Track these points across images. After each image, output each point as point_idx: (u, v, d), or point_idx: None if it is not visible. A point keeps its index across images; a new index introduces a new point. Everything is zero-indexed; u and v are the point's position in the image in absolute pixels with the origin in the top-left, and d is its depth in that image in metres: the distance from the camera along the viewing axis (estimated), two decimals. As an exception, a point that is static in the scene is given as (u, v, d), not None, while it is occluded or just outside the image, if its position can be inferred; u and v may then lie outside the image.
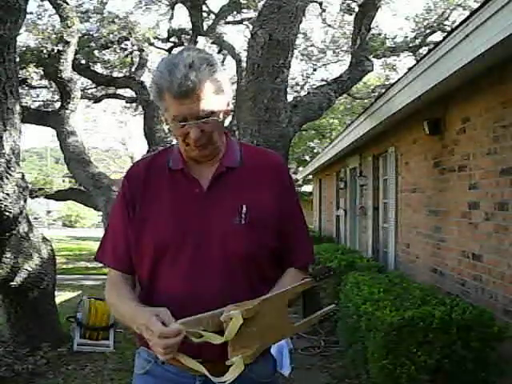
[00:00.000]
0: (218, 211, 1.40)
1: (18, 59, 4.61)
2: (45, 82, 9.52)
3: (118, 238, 1.48)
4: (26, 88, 9.47)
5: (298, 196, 1.57)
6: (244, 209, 1.39)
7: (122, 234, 1.47)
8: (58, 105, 8.55)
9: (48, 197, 12.12)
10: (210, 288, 1.36)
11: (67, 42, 7.19)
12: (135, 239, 1.44)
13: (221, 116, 1.39)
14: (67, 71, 7.34)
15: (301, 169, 17.73)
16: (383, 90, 7.00)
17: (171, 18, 10.55)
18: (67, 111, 7.67)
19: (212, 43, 9.66)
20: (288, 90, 6.34)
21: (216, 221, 1.39)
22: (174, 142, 1.53)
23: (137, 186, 1.47)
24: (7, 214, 3.75)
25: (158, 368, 1.44)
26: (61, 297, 7.58)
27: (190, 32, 9.47)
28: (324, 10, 10.80)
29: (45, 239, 4.89)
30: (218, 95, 1.37)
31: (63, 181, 20.46)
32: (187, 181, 1.44)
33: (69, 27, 7.24)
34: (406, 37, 10.91)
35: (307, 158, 17.05)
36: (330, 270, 1.53)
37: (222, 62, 11.68)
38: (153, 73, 1.41)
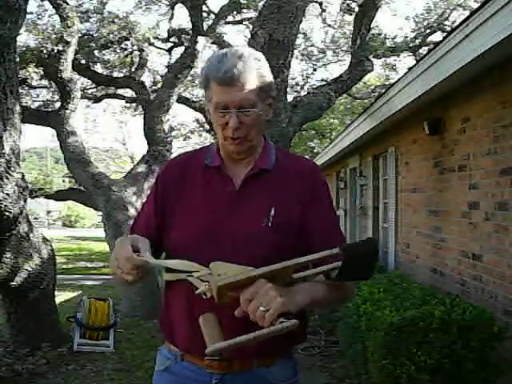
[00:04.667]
0: (247, 212, 1.41)
1: (18, 59, 4.61)
2: (45, 82, 9.50)
3: (140, 220, 1.53)
4: (26, 88, 9.44)
5: (331, 201, 1.53)
6: (272, 212, 1.39)
7: (144, 216, 1.52)
8: (58, 105, 8.52)
9: (48, 197, 12.09)
10: None
11: (67, 42, 7.17)
12: (166, 233, 1.46)
13: (262, 111, 1.40)
14: (67, 71, 7.32)
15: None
16: (383, 90, 7.00)
17: (171, 18, 10.52)
18: (67, 111, 7.65)
19: (212, 43, 9.63)
20: (288, 89, 6.34)
21: (244, 221, 1.39)
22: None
23: (171, 180, 1.50)
24: (7, 214, 3.74)
25: (176, 365, 1.46)
26: (61, 297, 7.58)
27: (190, 32, 9.46)
28: (324, 10, 10.78)
29: (45, 239, 4.89)
30: (261, 91, 1.39)
31: (63, 181, 20.42)
32: (221, 178, 1.45)
33: (69, 27, 7.23)
34: (406, 37, 10.89)
35: (307, 158, 17.03)
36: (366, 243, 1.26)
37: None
38: (204, 63, 1.44)
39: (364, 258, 1.25)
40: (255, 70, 1.37)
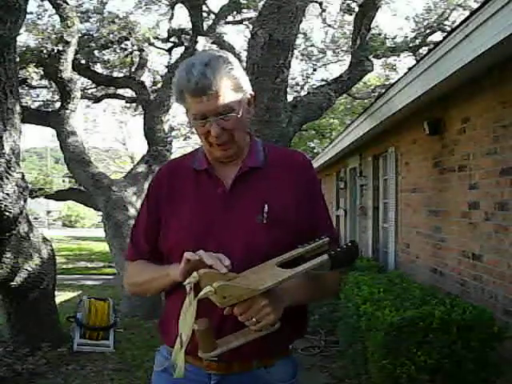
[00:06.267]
0: (241, 211, 1.41)
1: (18, 59, 4.60)
2: (45, 82, 9.50)
3: (138, 234, 1.54)
4: (26, 88, 9.45)
5: (322, 194, 1.55)
6: (266, 208, 1.39)
7: (142, 229, 1.52)
8: (58, 105, 8.52)
9: (48, 197, 12.10)
10: None
11: (67, 42, 7.16)
12: (162, 238, 1.47)
13: (240, 113, 1.39)
14: (67, 71, 7.32)
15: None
16: (383, 90, 7.00)
17: (171, 18, 10.51)
18: (67, 111, 7.65)
19: (212, 43, 9.62)
20: (288, 89, 6.34)
21: (238, 220, 1.40)
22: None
23: (162, 185, 1.51)
24: (7, 214, 3.74)
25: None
26: (61, 297, 7.59)
27: (190, 32, 9.45)
28: (324, 10, 10.78)
29: (45, 239, 4.89)
30: (236, 92, 1.38)
31: (63, 181, 20.42)
32: (211, 181, 1.45)
33: (69, 27, 7.23)
34: (406, 37, 10.88)
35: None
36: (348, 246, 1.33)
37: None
38: (174, 76, 1.42)
39: (347, 263, 1.36)
40: (225, 74, 1.35)
